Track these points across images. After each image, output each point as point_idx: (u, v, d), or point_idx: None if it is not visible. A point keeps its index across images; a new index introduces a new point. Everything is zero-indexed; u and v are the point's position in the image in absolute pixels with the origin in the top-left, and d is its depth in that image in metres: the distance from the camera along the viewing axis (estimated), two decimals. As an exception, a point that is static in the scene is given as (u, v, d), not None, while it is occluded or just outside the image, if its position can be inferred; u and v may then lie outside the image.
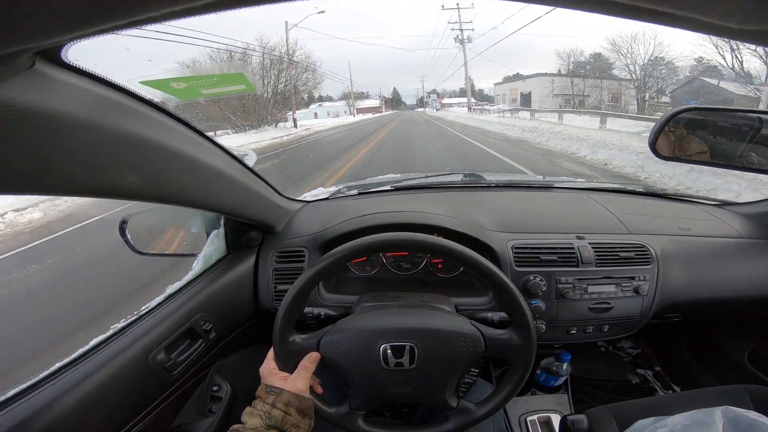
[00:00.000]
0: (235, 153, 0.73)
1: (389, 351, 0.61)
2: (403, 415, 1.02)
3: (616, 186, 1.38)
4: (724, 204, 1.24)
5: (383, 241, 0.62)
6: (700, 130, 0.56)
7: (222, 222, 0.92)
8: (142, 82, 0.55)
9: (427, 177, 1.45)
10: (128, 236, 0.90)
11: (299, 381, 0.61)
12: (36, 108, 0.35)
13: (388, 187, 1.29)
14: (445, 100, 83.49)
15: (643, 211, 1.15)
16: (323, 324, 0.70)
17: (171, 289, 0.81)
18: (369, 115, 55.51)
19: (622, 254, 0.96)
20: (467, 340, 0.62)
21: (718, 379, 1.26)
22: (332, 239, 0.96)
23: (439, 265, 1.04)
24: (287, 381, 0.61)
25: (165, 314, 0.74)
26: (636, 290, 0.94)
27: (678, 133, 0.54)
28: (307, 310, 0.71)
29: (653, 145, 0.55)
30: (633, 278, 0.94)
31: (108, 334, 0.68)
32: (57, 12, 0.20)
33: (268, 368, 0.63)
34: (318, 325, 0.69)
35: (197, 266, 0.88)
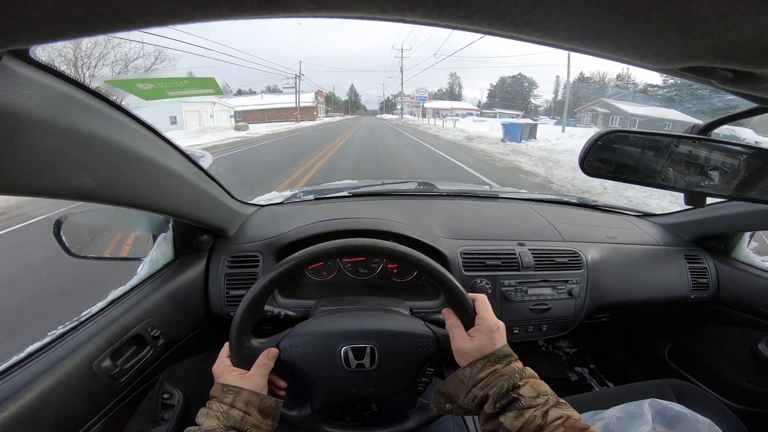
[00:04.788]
0: (190, 154, 0.71)
1: (350, 353, 0.62)
2: (362, 418, 1.03)
3: (553, 197, 1.50)
4: (645, 215, 1.37)
5: (342, 246, 0.62)
6: (623, 150, 0.62)
7: (171, 225, 0.88)
8: (107, 82, 0.56)
9: (383, 184, 1.49)
10: (63, 238, 0.83)
11: (257, 377, 0.59)
12: None
13: (345, 193, 1.30)
14: (430, 104, 59.42)
15: (576, 221, 1.26)
16: (281, 324, 0.69)
17: (114, 294, 0.77)
18: (260, 129, 24.55)
19: (557, 259, 1.05)
20: (422, 340, 0.64)
21: (644, 375, 1.40)
22: (289, 244, 0.95)
23: (395, 270, 1.07)
24: (244, 378, 0.58)
25: (109, 320, 0.70)
26: (570, 292, 1.03)
27: (603, 152, 0.59)
28: (267, 308, 0.70)
29: (582, 164, 0.60)
30: (567, 281, 1.04)
31: (46, 340, 0.64)
32: (43, 19, 0.20)
33: (223, 366, 0.60)
34: (276, 326, 0.68)
35: (142, 271, 0.84)
